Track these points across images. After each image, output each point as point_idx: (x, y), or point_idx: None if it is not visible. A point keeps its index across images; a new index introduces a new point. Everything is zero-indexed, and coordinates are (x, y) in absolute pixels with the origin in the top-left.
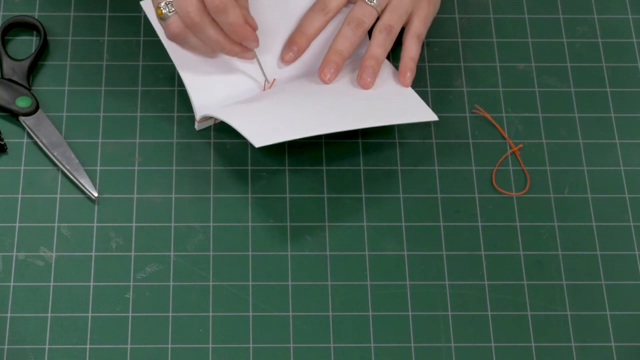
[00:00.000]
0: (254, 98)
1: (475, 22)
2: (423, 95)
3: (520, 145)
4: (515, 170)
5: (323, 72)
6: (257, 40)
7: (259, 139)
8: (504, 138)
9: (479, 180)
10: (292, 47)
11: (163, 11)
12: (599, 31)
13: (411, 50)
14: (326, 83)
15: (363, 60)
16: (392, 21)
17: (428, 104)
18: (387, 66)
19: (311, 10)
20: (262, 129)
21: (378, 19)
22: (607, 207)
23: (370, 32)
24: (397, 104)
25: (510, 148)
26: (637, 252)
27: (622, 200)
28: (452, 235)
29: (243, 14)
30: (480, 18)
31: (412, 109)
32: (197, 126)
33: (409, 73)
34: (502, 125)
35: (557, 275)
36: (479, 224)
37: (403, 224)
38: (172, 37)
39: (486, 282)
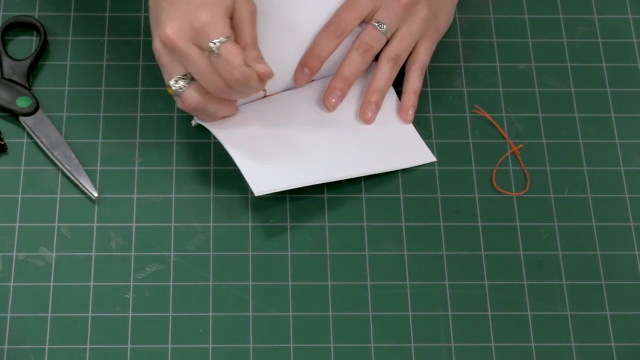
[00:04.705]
0: (258, 126)
1: (475, 22)
2: (423, 96)
3: (520, 145)
4: (515, 170)
5: (328, 99)
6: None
7: (259, 187)
8: (504, 138)
9: (479, 180)
10: (305, 70)
11: (174, 88)
12: (599, 31)
13: (414, 84)
14: (330, 110)
15: (367, 94)
16: (399, 50)
17: (428, 104)
18: (389, 96)
19: (324, 32)
20: (264, 175)
21: (386, 43)
22: (607, 207)
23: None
24: (397, 146)
25: (510, 148)
26: (637, 252)
27: (622, 200)
28: (452, 235)
29: (258, 69)
30: (480, 18)
31: (412, 151)
32: (194, 122)
33: (411, 110)
34: (502, 125)
35: (557, 275)
36: (479, 224)
37: (403, 224)
38: (189, 110)
39: (486, 282)
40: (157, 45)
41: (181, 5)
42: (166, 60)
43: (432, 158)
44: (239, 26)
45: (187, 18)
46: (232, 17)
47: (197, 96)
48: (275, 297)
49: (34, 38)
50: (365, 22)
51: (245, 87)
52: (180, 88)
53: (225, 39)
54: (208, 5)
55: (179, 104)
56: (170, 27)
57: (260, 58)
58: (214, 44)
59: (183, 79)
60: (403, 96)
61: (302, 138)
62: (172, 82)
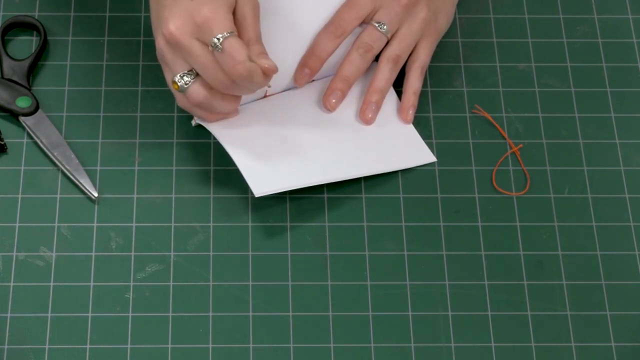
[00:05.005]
0: (258, 126)
1: (475, 22)
2: (423, 96)
3: (520, 145)
4: (515, 170)
5: (328, 99)
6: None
7: (259, 188)
8: (504, 138)
9: (479, 180)
10: (305, 70)
11: (179, 84)
12: (599, 31)
13: (414, 84)
14: (330, 110)
15: (367, 94)
16: (400, 50)
17: (428, 104)
18: (389, 96)
19: (324, 32)
20: (264, 176)
21: (387, 43)
22: (607, 207)
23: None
24: (398, 146)
25: (510, 148)
26: (637, 252)
27: (622, 200)
28: (452, 235)
29: (262, 64)
30: (480, 18)
31: (413, 151)
32: (194, 122)
33: (411, 110)
34: (502, 125)
35: (557, 275)
36: (479, 224)
37: (403, 224)
38: (194, 106)
39: (486, 282)
40: (160, 43)
41: (184, 2)
42: (170, 57)
43: (432, 158)
44: (242, 22)
45: (190, 14)
46: (234, 13)
47: (203, 91)
48: (275, 297)
49: (34, 38)
50: (365, 22)
51: (249, 82)
52: (186, 84)
53: (228, 34)
54: (210, 1)
55: (180, 102)
56: (173, 23)
57: (264, 53)
58: (218, 39)
59: (188, 74)
60: (403, 96)
61: (302, 138)
62: (177, 78)
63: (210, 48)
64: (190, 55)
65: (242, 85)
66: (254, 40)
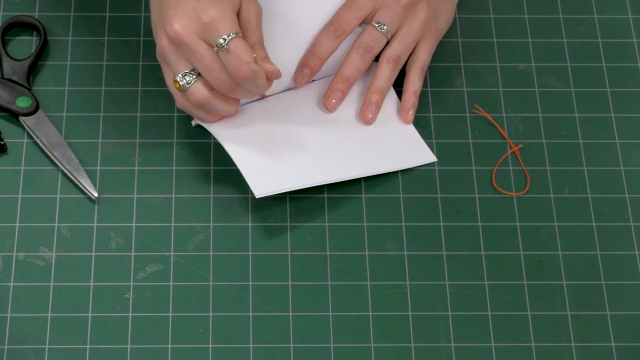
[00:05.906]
0: (258, 127)
1: (475, 22)
2: (423, 96)
3: (520, 145)
4: (515, 170)
5: (328, 99)
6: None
7: (260, 188)
8: (504, 138)
9: (479, 180)
10: (305, 70)
11: (181, 83)
12: (599, 31)
13: (414, 84)
14: (330, 111)
15: (367, 94)
16: (400, 51)
17: (428, 104)
18: (389, 96)
19: (324, 32)
20: (264, 176)
21: (387, 43)
22: (607, 207)
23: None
24: (398, 146)
25: (510, 148)
26: (637, 252)
27: (622, 200)
28: (452, 235)
29: (266, 67)
30: (480, 18)
31: (413, 151)
32: (194, 122)
33: (411, 110)
34: (502, 125)
35: (557, 275)
36: (479, 224)
37: (403, 224)
38: (195, 106)
39: (486, 282)
40: (163, 42)
41: (189, 2)
42: (172, 57)
43: (432, 158)
44: (246, 26)
45: (196, 14)
46: (238, 17)
47: (205, 91)
48: (275, 297)
49: (34, 38)
50: (365, 22)
51: (251, 84)
52: (187, 83)
53: (234, 35)
54: (217, 2)
55: (180, 102)
56: (179, 22)
57: (267, 58)
58: (224, 39)
59: (190, 74)
60: (403, 96)
61: (303, 139)
62: (178, 78)
63: (215, 48)
64: (195, 55)
65: (244, 87)
66: (258, 44)
